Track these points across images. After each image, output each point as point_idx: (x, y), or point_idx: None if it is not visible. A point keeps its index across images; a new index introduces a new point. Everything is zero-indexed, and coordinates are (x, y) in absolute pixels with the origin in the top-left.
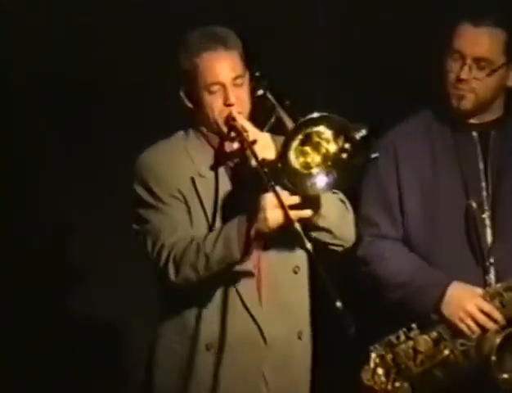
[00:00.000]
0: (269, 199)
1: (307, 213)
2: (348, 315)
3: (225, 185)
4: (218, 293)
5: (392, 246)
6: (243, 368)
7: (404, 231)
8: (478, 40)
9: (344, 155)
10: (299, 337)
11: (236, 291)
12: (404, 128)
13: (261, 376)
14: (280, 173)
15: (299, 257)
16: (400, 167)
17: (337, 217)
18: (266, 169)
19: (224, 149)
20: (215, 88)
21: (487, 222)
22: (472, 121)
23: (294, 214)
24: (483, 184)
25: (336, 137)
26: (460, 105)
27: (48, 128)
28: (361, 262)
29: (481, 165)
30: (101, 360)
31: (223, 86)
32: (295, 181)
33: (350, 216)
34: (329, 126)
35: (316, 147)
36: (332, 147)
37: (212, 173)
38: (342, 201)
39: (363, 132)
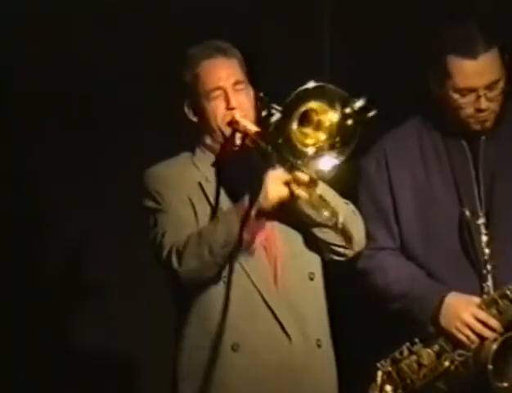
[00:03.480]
0: (271, 174)
1: (311, 191)
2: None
3: (229, 187)
4: (239, 294)
5: (390, 257)
6: (269, 366)
7: (400, 240)
8: (483, 70)
9: (349, 122)
10: (318, 346)
11: (258, 291)
12: (394, 137)
13: (287, 374)
14: (284, 151)
15: (314, 264)
16: (392, 176)
17: (345, 217)
18: (270, 148)
19: (226, 153)
20: (216, 93)
21: (482, 229)
22: (461, 129)
23: (296, 189)
24: (476, 191)
25: (334, 106)
26: (483, 128)
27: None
28: (361, 274)
29: (472, 172)
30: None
31: (224, 91)
32: (300, 161)
33: (359, 222)
34: (325, 99)
35: (319, 126)
36: (334, 116)
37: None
38: (352, 211)
39: (361, 101)
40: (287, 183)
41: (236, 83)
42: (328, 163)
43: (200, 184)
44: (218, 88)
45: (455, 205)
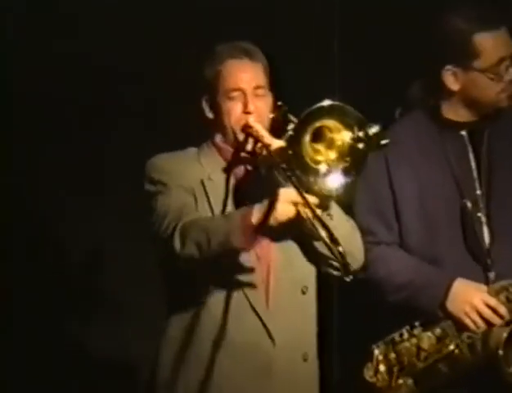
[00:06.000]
0: (284, 192)
1: (319, 213)
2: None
3: (234, 190)
4: (225, 297)
5: (388, 250)
6: (252, 369)
7: (401, 234)
8: (507, 38)
9: (361, 145)
10: (305, 359)
11: (245, 295)
12: (392, 132)
13: (270, 378)
14: (294, 165)
15: (308, 277)
16: (391, 170)
17: (346, 233)
18: (284, 166)
19: (236, 157)
20: (235, 94)
21: (483, 220)
22: (460, 120)
23: (306, 211)
24: (477, 183)
25: (347, 127)
26: (509, 104)
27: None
28: (360, 269)
29: (473, 164)
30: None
31: (244, 93)
32: (309, 177)
33: (358, 236)
34: (339, 119)
35: (331, 144)
36: (347, 136)
37: (221, 178)
38: (352, 227)
39: (376, 128)
40: (296, 203)
41: (257, 87)
42: (336, 181)
43: (203, 182)
44: (238, 89)
45: (456, 197)
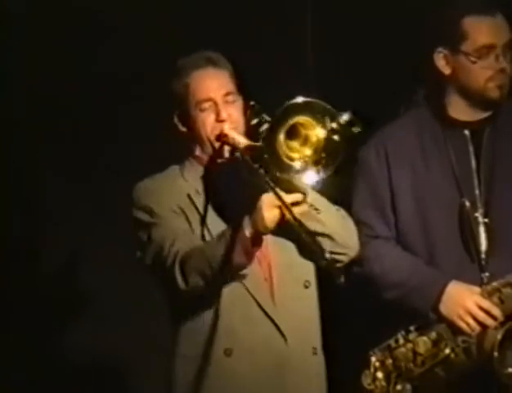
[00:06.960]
0: (266, 198)
1: (304, 208)
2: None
3: (219, 198)
4: (232, 300)
5: (386, 245)
6: (265, 368)
7: (398, 230)
8: (501, 27)
9: (336, 137)
10: (314, 353)
11: (251, 295)
12: (394, 128)
13: (283, 376)
14: (270, 165)
15: (309, 272)
16: (391, 167)
17: (336, 223)
18: (262, 170)
19: (215, 164)
20: (206, 104)
21: (480, 220)
22: (464, 119)
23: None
24: (476, 182)
25: (321, 122)
26: (501, 96)
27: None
28: (356, 263)
29: (473, 163)
30: None
31: (215, 103)
32: (285, 175)
33: (350, 224)
34: (312, 114)
35: (305, 140)
36: (321, 132)
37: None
38: (343, 217)
39: (347, 115)
40: (279, 206)
41: (227, 94)
42: (311, 178)
43: (190, 196)
44: (209, 100)
45: (455, 196)
